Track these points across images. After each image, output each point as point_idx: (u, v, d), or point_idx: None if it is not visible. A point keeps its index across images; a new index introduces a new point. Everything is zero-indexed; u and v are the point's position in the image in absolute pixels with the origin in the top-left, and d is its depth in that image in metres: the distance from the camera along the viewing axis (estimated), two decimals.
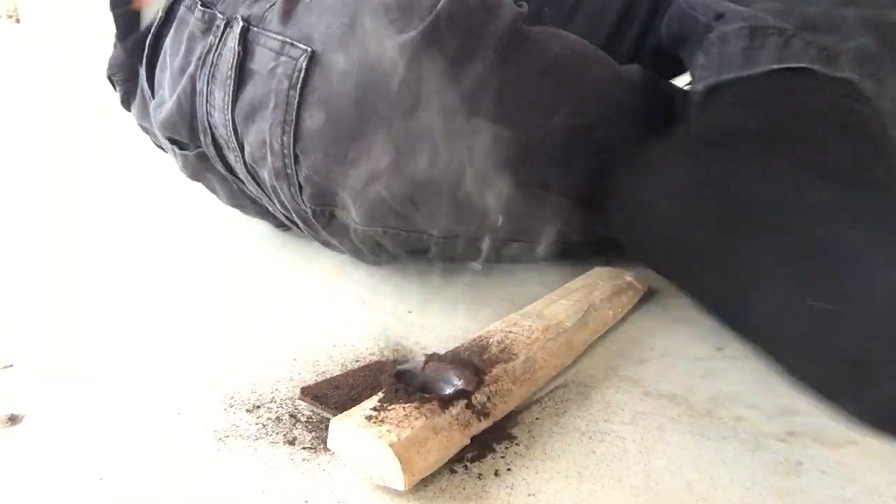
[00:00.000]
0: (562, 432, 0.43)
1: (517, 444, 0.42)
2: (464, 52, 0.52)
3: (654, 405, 0.47)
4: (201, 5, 0.63)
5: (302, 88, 0.53)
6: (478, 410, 0.41)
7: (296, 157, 0.55)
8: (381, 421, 0.38)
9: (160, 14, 0.69)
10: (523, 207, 0.58)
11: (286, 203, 0.60)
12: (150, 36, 0.69)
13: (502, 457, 0.41)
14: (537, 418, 0.45)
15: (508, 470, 0.40)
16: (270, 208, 0.66)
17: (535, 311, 0.53)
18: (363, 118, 0.52)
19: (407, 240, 0.58)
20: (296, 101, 0.53)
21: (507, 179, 0.55)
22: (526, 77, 0.55)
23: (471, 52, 0.52)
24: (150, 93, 0.71)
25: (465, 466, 0.40)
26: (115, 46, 0.74)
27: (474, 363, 0.45)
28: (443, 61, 0.51)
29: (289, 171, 0.56)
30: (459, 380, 0.43)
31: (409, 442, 0.37)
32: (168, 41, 0.67)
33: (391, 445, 0.37)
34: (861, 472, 0.41)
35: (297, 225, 0.63)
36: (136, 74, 0.72)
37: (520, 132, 0.54)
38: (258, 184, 0.62)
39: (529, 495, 0.38)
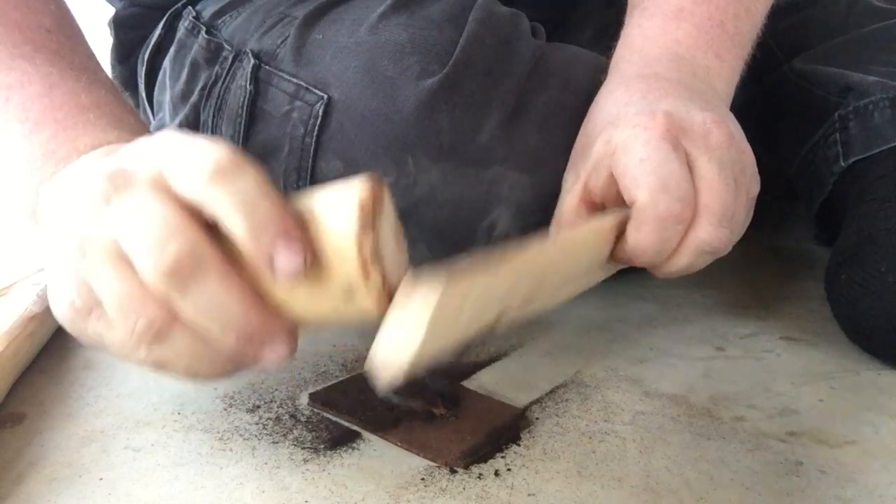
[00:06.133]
0: (562, 432, 0.43)
1: (517, 444, 0.42)
2: (483, 97, 0.51)
3: (654, 405, 0.47)
4: (206, 32, 0.61)
5: (318, 136, 0.52)
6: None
7: None
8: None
9: (159, 31, 0.67)
10: None
11: None
12: (148, 51, 0.68)
13: (502, 457, 0.41)
14: (537, 418, 0.45)
15: (508, 470, 0.40)
16: None
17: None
18: (381, 167, 0.50)
19: None
20: (311, 149, 0.52)
21: (522, 225, 0.54)
22: (545, 117, 0.53)
23: (490, 97, 0.51)
24: (149, 111, 0.70)
25: (466, 466, 0.40)
26: (112, 66, 0.73)
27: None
28: (462, 108, 0.50)
29: None
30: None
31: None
32: (167, 62, 0.65)
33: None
34: (861, 472, 0.41)
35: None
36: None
37: (537, 177, 0.52)
38: None
39: (529, 495, 0.38)
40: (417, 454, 0.41)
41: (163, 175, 0.32)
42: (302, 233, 0.32)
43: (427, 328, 0.30)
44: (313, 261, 0.32)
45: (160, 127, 0.65)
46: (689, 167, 0.44)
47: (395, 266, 0.34)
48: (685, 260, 0.46)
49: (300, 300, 0.33)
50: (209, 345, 0.33)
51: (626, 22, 0.55)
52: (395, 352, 0.31)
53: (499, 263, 0.34)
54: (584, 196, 0.48)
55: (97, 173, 0.34)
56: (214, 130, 0.59)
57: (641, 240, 0.44)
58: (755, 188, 0.47)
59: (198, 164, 0.32)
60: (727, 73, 0.52)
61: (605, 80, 0.54)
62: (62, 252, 0.35)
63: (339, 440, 0.42)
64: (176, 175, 0.32)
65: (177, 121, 0.62)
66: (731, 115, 0.49)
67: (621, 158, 0.44)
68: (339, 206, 0.32)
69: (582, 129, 0.51)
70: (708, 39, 0.52)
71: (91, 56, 0.48)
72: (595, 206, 0.48)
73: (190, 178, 0.32)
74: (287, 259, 0.31)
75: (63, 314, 0.36)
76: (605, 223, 0.44)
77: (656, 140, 0.43)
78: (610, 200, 0.46)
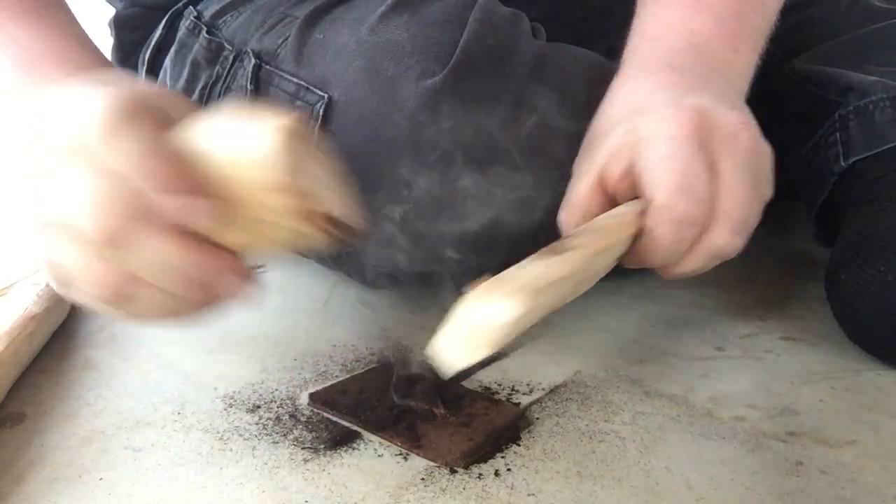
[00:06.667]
0: (562, 432, 0.43)
1: (517, 444, 0.42)
2: (484, 98, 0.50)
3: (654, 405, 0.47)
4: (206, 32, 0.62)
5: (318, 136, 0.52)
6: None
7: None
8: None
9: (160, 31, 0.67)
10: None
11: None
12: (149, 51, 0.68)
13: (502, 457, 0.41)
14: (537, 418, 0.45)
15: (508, 470, 0.40)
16: None
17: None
18: (381, 167, 0.50)
19: (421, 275, 0.57)
20: None
21: (523, 225, 0.54)
22: (546, 117, 0.52)
23: (491, 97, 0.50)
24: None
25: (466, 466, 0.40)
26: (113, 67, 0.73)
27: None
28: (463, 108, 0.50)
29: None
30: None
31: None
32: (168, 61, 0.65)
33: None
34: (861, 472, 0.41)
35: (306, 256, 0.63)
36: None
37: (538, 176, 0.52)
38: None
39: (529, 495, 0.38)
40: (417, 454, 0.41)
41: (82, 142, 0.34)
42: (198, 179, 0.33)
43: (496, 341, 0.33)
44: (228, 198, 0.33)
45: None
46: (713, 169, 0.43)
47: (330, 194, 0.36)
48: (696, 263, 0.45)
49: (238, 237, 0.35)
50: (174, 295, 0.35)
51: (637, 11, 0.54)
52: (460, 353, 0.35)
53: (557, 272, 0.36)
54: (598, 181, 0.46)
55: (18, 148, 0.36)
56: None
57: (655, 239, 0.43)
58: (769, 193, 0.47)
59: (92, 131, 0.33)
60: (743, 68, 0.51)
61: (617, 68, 0.53)
62: (30, 231, 0.36)
63: (339, 440, 0.42)
64: (91, 142, 0.33)
65: None
66: (752, 115, 0.47)
67: (644, 152, 0.43)
68: (250, 136, 0.34)
69: (600, 112, 0.50)
70: (725, 32, 0.50)
71: (61, 7, 0.48)
72: (606, 195, 0.46)
73: (91, 143, 0.33)
74: (192, 213, 0.33)
75: (56, 288, 0.38)
76: (626, 219, 0.43)
77: (683, 137, 0.42)
78: (622, 191, 0.45)
